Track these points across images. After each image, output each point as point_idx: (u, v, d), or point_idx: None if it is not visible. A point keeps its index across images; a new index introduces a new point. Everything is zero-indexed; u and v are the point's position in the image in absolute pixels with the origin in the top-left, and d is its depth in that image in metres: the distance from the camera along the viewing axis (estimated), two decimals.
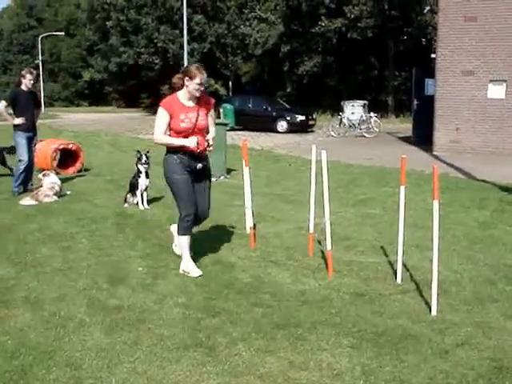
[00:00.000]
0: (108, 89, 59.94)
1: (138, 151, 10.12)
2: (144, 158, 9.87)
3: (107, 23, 45.49)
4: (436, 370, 4.13)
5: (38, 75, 53.04)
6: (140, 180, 9.68)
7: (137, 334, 4.71)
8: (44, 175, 10.40)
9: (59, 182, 10.42)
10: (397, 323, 4.93)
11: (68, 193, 10.68)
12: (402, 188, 5.82)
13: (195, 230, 6.87)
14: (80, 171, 13.37)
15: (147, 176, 9.79)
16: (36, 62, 57.21)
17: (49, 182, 10.26)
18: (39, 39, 55.59)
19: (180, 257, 6.48)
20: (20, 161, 10.71)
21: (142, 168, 9.77)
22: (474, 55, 17.31)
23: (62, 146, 13.43)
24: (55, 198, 10.15)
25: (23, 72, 10.59)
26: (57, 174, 11.51)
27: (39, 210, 9.41)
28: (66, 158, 13.63)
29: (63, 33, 58.05)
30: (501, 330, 4.80)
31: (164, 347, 4.47)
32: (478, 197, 10.49)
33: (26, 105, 10.57)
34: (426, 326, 4.88)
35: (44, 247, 7.21)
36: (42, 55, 56.26)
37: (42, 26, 64.67)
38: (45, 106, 54.08)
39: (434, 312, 5.10)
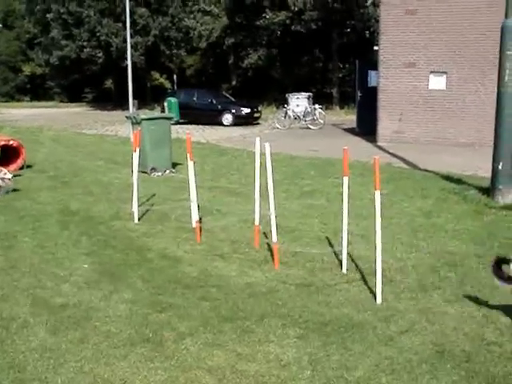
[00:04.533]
0: (50, 83, 58.56)
1: None
2: None
3: (47, 15, 44.40)
4: (381, 357, 4.22)
5: None
6: None
7: (83, 332, 4.65)
8: None
9: None
10: (343, 312, 5.00)
11: (10, 190, 10.42)
12: (346, 179, 5.90)
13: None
14: (22, 168, 13.05)
15: None
16: None
17: None
18: None
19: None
20: None
21: None
22: (415, 47, 17.62)
23: (2, 143, 13.08)
24: None
25: None
26: None
27: None
28: (7, 154, 13.29)
29: (0, 25, 56.54)
30: (443, 315, 4.93)
31: (111, 344, 4.43)
32: (421, 186, 10.71)
33: None
34: (372, 314, 4.96)
35: None
36: None
37: None
38: None
39: (378, 300, 5.20)
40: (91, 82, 52.06)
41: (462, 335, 4.55)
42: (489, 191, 9.73)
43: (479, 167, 12.28)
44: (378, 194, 5.12)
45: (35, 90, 61.29)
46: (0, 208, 9.17)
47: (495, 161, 9.63)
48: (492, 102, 10.45)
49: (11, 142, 13.20)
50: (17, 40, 61.16)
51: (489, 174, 9.86)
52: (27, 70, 59.74)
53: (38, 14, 48.16)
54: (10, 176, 10.37)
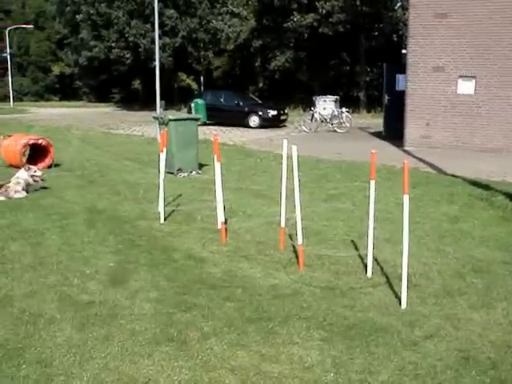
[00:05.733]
0: (78, 83, 59.21)
1: None
2: None
3: (77, 17, 44.89)
4: (405, 362, 4.20)
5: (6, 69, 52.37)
6: None
7: (108, 329, 4.70)
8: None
9: (25, 177, 10.28)
10: (367, 316, 4.99)
11: (39, 187, 10.55)
12: (372, 183, 5.88)
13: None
14: (50, 167, 13.21)
15: None
16: (4, 55, 56.31)
17: (14, 177, 10.17)
18: (7, 32, 54.77)
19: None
20: None
21: None
22: (443, 51, 17.48)
23: (31, 142, 13.26)
24: (24, 193, 10.05)
25: None
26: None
27: (8, 206, 9.30)
28: (36, 153, 13.47)
29: (32, 26, 57.21)
30: (468, 321, 4.89)
31: (136, 342, 4.47)
32: (448, 191, 10.62)
33: None
34: (396, 318, 4.94)
35: (14, 243, 7.13)
36: (9, 48, 55.40)
37: (9, 18, 63.59)
38: (13, 101, 53.34)
39: (403, 305, 5.17)
40: (119, 83, 52.46)
41: (488, 342, 4.51)
42: None
43: (507, 173, 12.15)
44: (406, 198, 5.10)
45: (64, 90, 61.97)
46: (29, 205, 9.30)
47: None
48: None
49: (40, 141, 13.38)
50: (47, 40, 61.92)
51: None
52: (56, 70, 60.46)
53: (68, 15, 48.74)
54: (39, 174, 10.52)
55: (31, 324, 4.77)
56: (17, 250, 6.85)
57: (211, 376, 4.01)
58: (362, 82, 39.80)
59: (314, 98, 26.85)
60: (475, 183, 11.38)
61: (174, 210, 8.91)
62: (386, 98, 21.94)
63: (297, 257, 6.45)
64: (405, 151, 17.32)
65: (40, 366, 4.11)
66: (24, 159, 12.94)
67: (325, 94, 28.30)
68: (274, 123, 27.44)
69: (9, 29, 55.45)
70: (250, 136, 23.03)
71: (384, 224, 7.81)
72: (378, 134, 22.51)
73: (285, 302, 5.31)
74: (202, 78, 48.50)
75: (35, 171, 10.50)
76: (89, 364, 4.14)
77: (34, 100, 59.37)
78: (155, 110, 24.70)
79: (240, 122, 27.45)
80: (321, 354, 4.31)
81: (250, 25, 40.60)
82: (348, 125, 24.97)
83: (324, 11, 35.40)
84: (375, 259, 6.31)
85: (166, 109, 25.76)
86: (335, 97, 26.76)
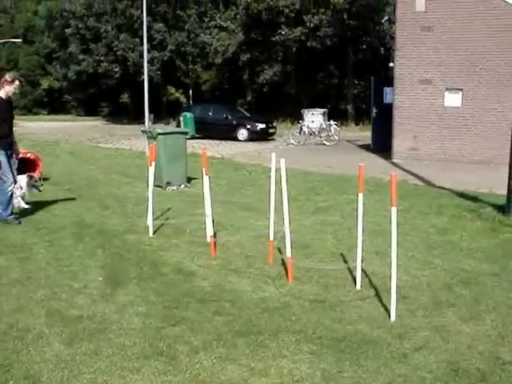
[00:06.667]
0: (67, 97, 59.17)
1: None
2: None
3: (66, 31, 44.97)
4: (395, 374, 4.20)
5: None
6: None
7: (97, 344, 4.67)
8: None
9: (25, 185, 10.36)
10: (356, 329, 4.99)
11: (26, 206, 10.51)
12: (361, 195, 5.91)
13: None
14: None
15: None
16: None
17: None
18: None
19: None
20: (5, 182, 8.89)
21: None
22: (430, 64, 17.63)
23: (19, 155, 13.18)
24: (23, 203, 10.18)
25: (10, 77, 8.74)
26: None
27: None
28: (25, 167, 13.38)
29: (21, 40, 57.21)
30: (458, 333, 4.90)
31: (125, 357, 4.45)
32: (436, 203, 10.67)
33: (8, 117, 8.90)
34: (386, 331, 4.95)
35: (1, 258, 7.09)
36: None
37: None
38: None
39: (392, 317, 5.18)
40: (108, 96, 52.46)
41: (477, 354, 4.53)
42: (504, 209, 9.68)
43: (495, 185, 12.22)
44: (394, 210, 5.12)
45: (52, 104, 61.84)
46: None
47: (511, 178, 9.60)
48: (507, 120, 10.42)
49: (28, 155, 13.31)
50: (36, 54, 61.83)
51: (504, 192, 9.82)
52: (45, 83, 60.37)
53: (56, 28, 48.84)
54: (37, 179, 10.64)
55: (19, 339, 4.73)
56: (4, 265, 6.81)
57: None
58: (350, 94, 40.02)
59: (302, 111, 26.97)
60: (463, 195, 11.45)
61: (162, 224, 8.89)
62: (374, 110, 22.06)
63: (286, 270, 6.44)
64: (393, 163, 17.41)
65: (28, 381, 4.07)
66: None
67: (313, 107, 28.44)
68: (263, 136, 27.53)
69: None
70: (238, 149, 23.07)
71: (373, 236, 7.83)
72: (366, 147, 22.61)
73: (274, 315, 5.30)
74: (190, 91, 48.60)
75: (36, 181, 10.55)
76: (77, 379, 4.11)
77: (22, 114, 59.19)
78: (144, 123, 24.74)
79: (228, 135, 27.52)
80: (310, 368, 4.30)
81: (238, 38, 40.71)
82: (336, 138, 25.08)
83: (312, 25, 35.62)
84: (364, 272, 6.31)
85: (154, 122, 25.82)
86: (323, 110, 26.90)
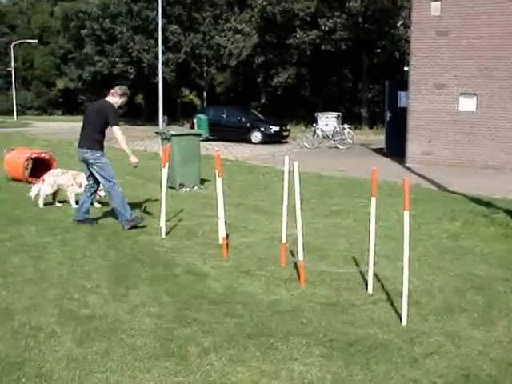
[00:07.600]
0: (82, 98, 59.63)
1: None
2: None
3: (82, 32, 45.27)
4: (406, 379, 4.18)
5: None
6: None
7: (108, 343, 4.69)
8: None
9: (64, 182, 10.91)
10: (367, 333, 4.98)
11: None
12: (373, 199, 5.90)
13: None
14: None
15: None
16: (8, 69, 56.71)
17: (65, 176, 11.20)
18: (12, 46, 55.17)
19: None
20: (114, 183, 9.06)
21: None
22: (445, 69, 17.58)
23: (34, 155, 13.29)
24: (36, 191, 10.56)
25: (123, 91, 8.96)
26: (29, 182, 11.44)
27: (10, 219, 9.32)
28: (39, 167, 13.49)
29: (36, 40, 57.66)
30: (469, 339, 4.88)
31: (136, 357, 4.46)
32: (449, 208, 10.62)
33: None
34: (397, 335, 4.93)
35: (15, 257, 7.14)
36: (14, 63, 55.76)
37: (14, 33, 64.13)
38: (17, 115, 53.59)
39: (404, 321, 5.17)
40: None
41: (489, 359, 4.50)
42: None
43: (509, 190, 12.15)
44: (406, 214, 5.11)
45: (67, 104, 62.30)
46: (31, 219, 9.32)
47: None
48: None
49: (43, 155, 13.41)
50: (51, 55, 62.33)
51: None
52: (60, 84, 60.84)
53: (72, 30, 49.16)
54: (79, 191, 10.80)
55: (31, 338, 4.76)
56: (18, 264, 6.86)
57: None
58: (364, 98, 39.97)
59: (316, 115, 26.96)
60: (477, 200, 11.39)
61: (175, 225, 8.92)
62: (388, 114, 22.02)
63: (298, 273, 6.45)
64: (406, 168, 17.36)
65: (40, 380, 4.10)
66: (26, 173, 12.98)
67: (327, 111, 28.46)
68: (276, 139, 27.54)
69: (14, 43, 55.83)
70: (251, 152, 23.09)
71: (385, 240, 7.82)
72: (379, 151, 22.56)
73: (285, 317, 5.30)
74: (204, 93, 48.73)
75: (73, 186, 10.94)
76: (88, 379, 4.13)
77: (38, 114, 59.63)
78: (158, 124, 24.81)
79: (242, 137, 27.55)
80: (321, 371, 4.30)
81: (252, 41, 40.79)
82: (350, 141, 25.05)
83: (327, 28, 35.62)
84: (376, 276, 6.30)
85: (168, 124, 25.89)
86: (337, 113, 26.88)
